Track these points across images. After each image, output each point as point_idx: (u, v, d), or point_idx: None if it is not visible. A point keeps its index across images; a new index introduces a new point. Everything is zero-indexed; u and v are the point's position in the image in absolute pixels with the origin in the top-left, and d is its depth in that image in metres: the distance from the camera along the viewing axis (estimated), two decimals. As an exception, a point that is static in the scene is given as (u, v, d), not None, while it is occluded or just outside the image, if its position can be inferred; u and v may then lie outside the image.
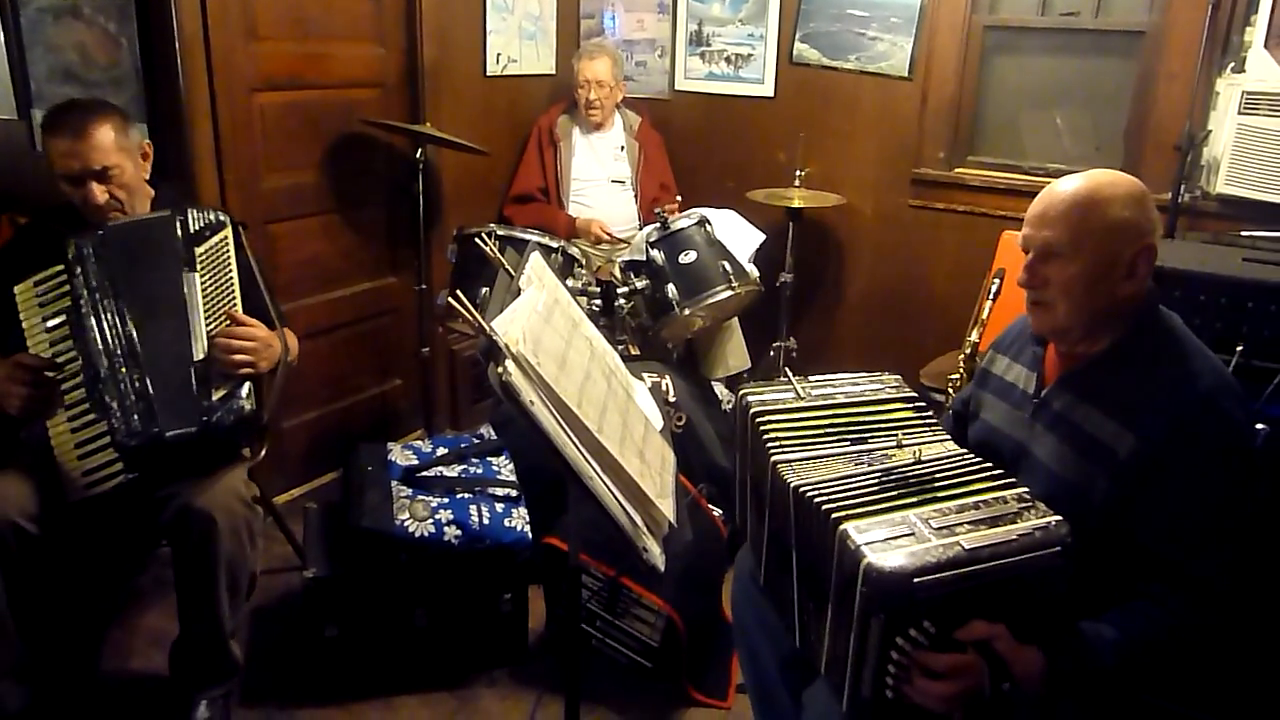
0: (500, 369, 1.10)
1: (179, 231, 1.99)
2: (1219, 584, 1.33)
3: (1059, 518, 1.25)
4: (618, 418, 1.30)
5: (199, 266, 1.98)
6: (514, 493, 2.34)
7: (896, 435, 1.47)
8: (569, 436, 1.14)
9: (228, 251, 2.02)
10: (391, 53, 3.14)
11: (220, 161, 2.67)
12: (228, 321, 1.97)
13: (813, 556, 1.32)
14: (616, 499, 1.18)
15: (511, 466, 2.45)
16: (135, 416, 1.89)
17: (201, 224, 2.01)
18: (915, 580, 1.17)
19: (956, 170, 3.40)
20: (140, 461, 1.91)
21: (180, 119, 2.53)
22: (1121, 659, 1.29)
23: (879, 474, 1.35)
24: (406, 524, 2.18)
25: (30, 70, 2.90)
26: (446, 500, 2.26)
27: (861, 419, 1.52)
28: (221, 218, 2.04)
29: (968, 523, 1.24)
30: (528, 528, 2.27)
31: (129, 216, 2.05)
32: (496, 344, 1.10)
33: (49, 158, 1.98)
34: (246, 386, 1.96)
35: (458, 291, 1.23)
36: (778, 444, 1.44)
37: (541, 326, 1.24)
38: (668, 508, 1.27)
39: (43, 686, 2.12)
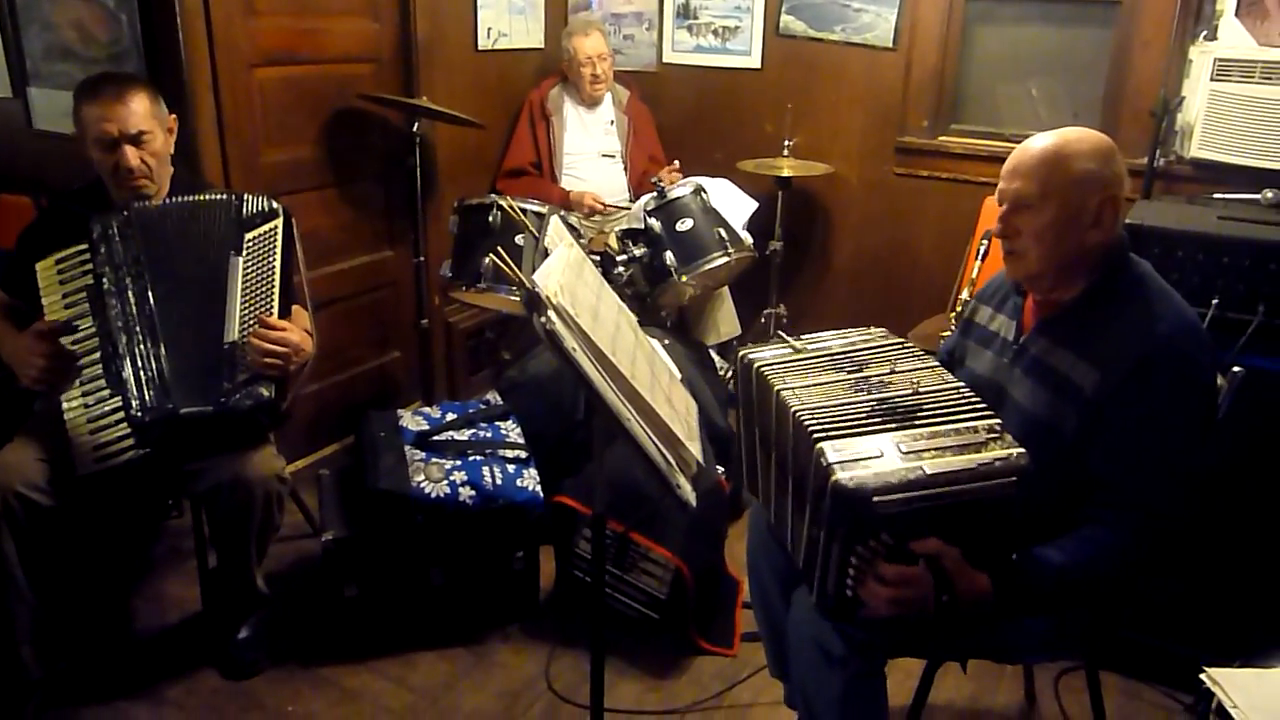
0: (543, 318, 1.17)
1: (232, 215, 2.03)
2: (1164, 509, 1.43)
3: (1022, 450, 1.34)
4: (646, 366, 1.38)
5: (245, 252, 2.01)
6: (523, 454, 2.41)
7: (890, 361, 1.55)
8: (607, 382, 1.21)
9: (275, 240, 2.05)
10: (385, 27, 3.16)
11: (222, 137, 2.69)
12: (266, 312, 1.98)
13: (799, 472, 1.43)
14: (652, 440, 1.26)
15: (519, 430, 2.51)
16: (150, 393, 1.92)
17: (254, 210, 2.05)
18: (875, 499, 1.28)
19: (940, 138, 3.48)
20: (153, 437, 1.93)
21: (183, 95, 2.53)
22: (1064, 583, 1.42)
23: (873, 403, 1.43)
24: (423, 485, 2.24)
25: (26, 48, 2.90)
26: (459, 462, 2.32)
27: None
28: (275, 206, 2.08)
29: (935, 449, 1.33)
30: (539, 488, 2.34)
31: (158, 197, 2.07)
32: (539, 295, 1.17)
33: (82, 125, 2.00)
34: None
35: (499, 248, 1.29)
36: (781, 378, 1.52)
37: (575, 281, 1.31)
38: (696, 449, 1.36)
39: (75, 653, 2.18)
